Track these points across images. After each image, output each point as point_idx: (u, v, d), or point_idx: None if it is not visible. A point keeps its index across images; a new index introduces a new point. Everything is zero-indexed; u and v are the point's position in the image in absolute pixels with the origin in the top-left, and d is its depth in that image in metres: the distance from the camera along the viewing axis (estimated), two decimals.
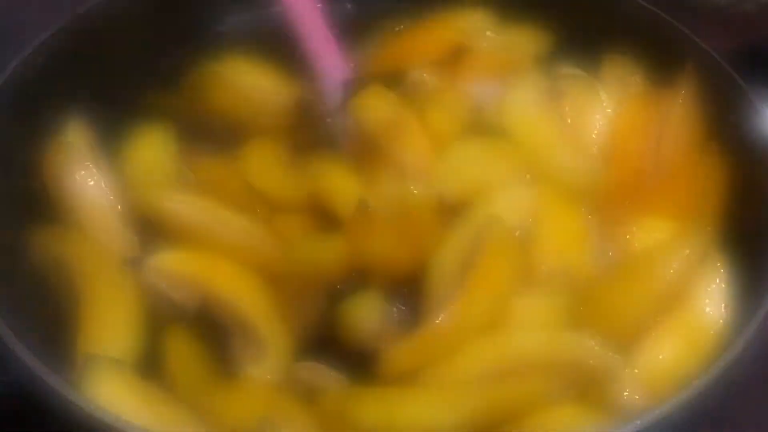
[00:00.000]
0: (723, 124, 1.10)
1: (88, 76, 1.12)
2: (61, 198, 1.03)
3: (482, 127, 1.13)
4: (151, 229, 1.02)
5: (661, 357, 0.90)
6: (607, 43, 1.23)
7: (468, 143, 1.11)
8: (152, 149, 1.13)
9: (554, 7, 1.27)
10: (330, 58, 1.18)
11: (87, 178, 1.04)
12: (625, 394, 0.87)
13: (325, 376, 0.88)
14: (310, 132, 1.16)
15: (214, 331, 0.91)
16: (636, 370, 0.88)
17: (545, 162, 1.07)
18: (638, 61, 1.20)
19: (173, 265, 0.96)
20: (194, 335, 0.92)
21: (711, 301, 0.93)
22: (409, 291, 0.98)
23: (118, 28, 1.17)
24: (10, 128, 1.04)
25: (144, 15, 1.20)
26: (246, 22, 1.28)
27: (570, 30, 1.26)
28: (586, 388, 0.87)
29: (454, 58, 1.21)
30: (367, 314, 0.92)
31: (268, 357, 0.89)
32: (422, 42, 1.25)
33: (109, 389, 0.83)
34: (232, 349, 0.90)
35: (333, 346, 0.92)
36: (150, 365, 0.89)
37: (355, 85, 1.19)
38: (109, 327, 0.92)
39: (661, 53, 1.18)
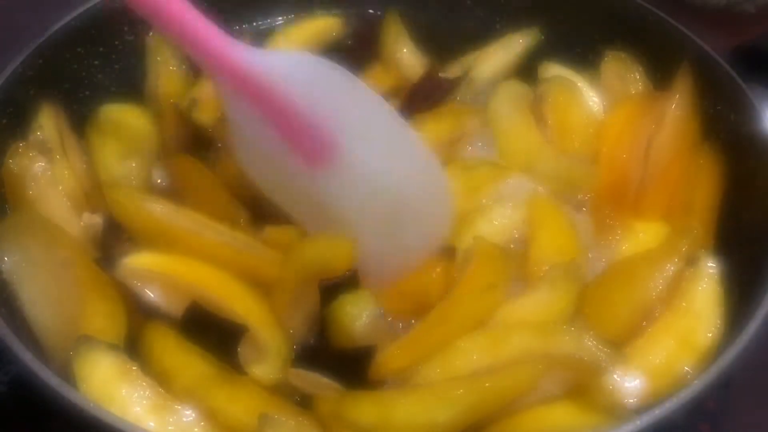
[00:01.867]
0: (722, 123, 1.10)
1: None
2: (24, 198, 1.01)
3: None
4: (121, 231, 1.00)
5: (654, 357, 0.89)
6: (606, 42, 1.23)
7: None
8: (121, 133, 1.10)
9: (555, 6, 1.27)
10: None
11: (45, 178, 1.01)
12: (620, 392, 0.86)
13: (319, 383, 0.87)
14: None
15: (214, 331, 0.90)
16: (630, 369, 0.87)
17: (530, 169, 1.07)
18: (638, 61, 1.20)
19: (152, 266, 0.93)
20: (191, 333, 0.90)
21: (705, 301, 0.93)
22: None
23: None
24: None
25: None
26: None
27: (570, 29, 1.27)
28: (580, 384, 0.87)
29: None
30: (357, 313, 0.90)
31: (270, 357, 0.87)
32: None
33: (102, 371, 0.83)
34: (235, 349, 0.88)
35: (326, 350, 0.91)
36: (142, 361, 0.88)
37: None
38: (100, 313, 0.90)
39: (661, 53, 1.18)
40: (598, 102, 1.18)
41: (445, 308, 0.88)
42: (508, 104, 1.13)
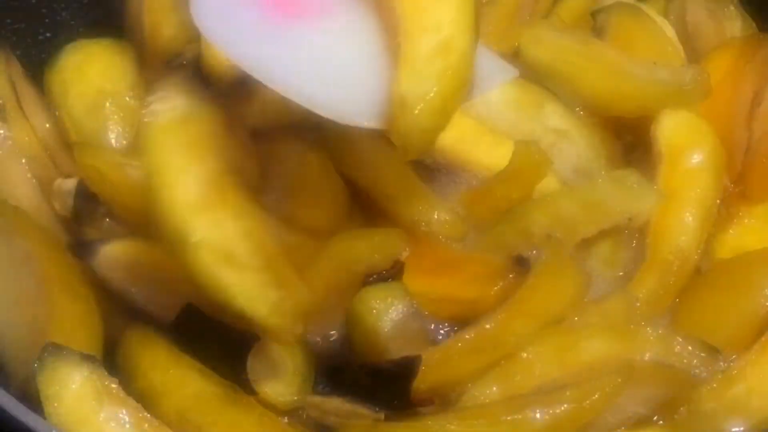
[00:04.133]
0: None
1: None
2: None
3: None
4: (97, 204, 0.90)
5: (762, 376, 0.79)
6: None
7: None
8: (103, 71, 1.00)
9: None
10: None
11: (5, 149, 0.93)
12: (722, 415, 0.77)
13: (345, 411, 0.78)
14: None
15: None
16: (735, 387, 0.78)
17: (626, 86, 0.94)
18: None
19: (138, 256, 0.85)
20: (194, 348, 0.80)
21: None
22: None
23: None
24: None
25: None
26: None
27: None
28: (672, 402, 0.77)
29: None
30: (384, 308, 0.80)
31: (286, 375, 0.79)
32: None
33: (73, 389, 0.73)
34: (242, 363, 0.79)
35: (354, 367, 0.82)
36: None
37: None
38: (71, 316, 0.81)
39: None
40: (674, 33, 1.05)
41: (496, 324, 0.80)
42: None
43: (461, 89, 0.73)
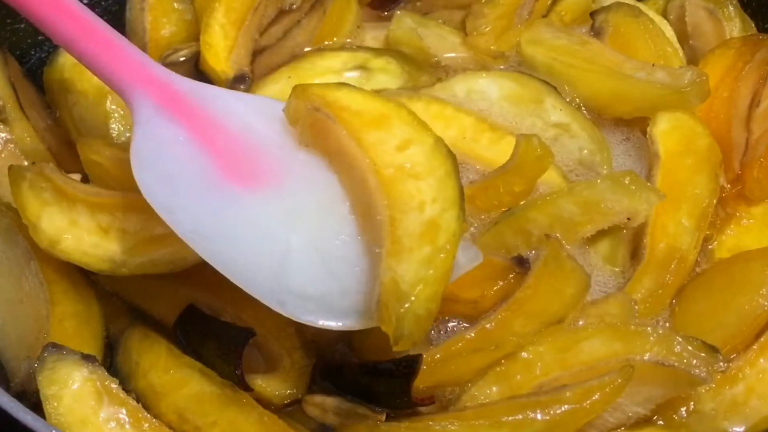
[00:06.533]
0: None
1: None
2: None
3: None
4: None
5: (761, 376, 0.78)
6: None
7: None
8: None
9: None
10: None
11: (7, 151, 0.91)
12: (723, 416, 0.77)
13: (344, 410, 0.77)
14: None
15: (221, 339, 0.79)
16: (735, 388, 0.78)
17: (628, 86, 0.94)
18: None
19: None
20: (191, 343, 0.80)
21: None
22: None
23: None
24: None
25: None
26: None
27: None
28: (672, 402, 0.77)
29: None
30: None
31: (282, 369, 0.78)
32: None
33: (73, 389, 0.72)
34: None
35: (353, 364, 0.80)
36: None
37: None
38: (71, 316, 0.81)
39: None
40: (672, 34, 1.04)
41: (496, 323, 0.79)
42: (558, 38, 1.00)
43: (451, 271, 0.69)
